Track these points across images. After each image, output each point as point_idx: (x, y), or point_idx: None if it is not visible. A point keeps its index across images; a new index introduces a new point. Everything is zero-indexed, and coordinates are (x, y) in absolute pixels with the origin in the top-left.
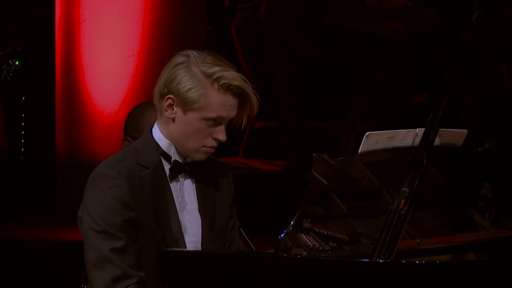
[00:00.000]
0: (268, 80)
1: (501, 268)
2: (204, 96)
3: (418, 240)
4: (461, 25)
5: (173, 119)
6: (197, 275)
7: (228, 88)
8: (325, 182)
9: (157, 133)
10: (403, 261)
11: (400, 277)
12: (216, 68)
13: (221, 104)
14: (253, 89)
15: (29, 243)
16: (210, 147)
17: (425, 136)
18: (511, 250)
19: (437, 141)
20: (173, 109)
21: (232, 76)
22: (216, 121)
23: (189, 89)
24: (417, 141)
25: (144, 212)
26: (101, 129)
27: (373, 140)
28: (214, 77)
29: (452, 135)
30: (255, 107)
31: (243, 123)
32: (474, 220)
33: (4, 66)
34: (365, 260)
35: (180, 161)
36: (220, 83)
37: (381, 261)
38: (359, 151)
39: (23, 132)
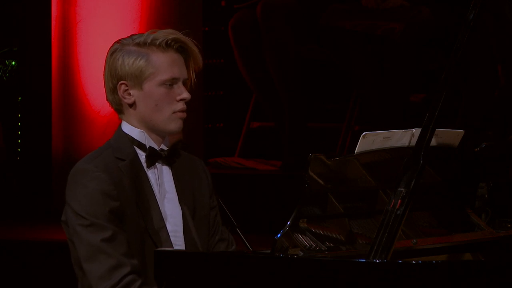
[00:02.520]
0: (265, 80)
1: (497, 269)
2: (149, 61)
3: (414, 240)
4: (458, 25)
5: (134, 103)
6: (194, 275)
7: (166, 45)
8: (321, 182)
9: (126, 127)
10: (400, 261)
11: (397, 277)
12: (145, 34)
13: (167, 62)
14: (192, 40)
15: (24, 243)
16: (180, 111)
17: (421, 137)
18: (508, 250)
19: (433, 142)
20: (129, 94)
21: (164, 33)
22: (172, 83)
23: (133, 63)
24: (414, 141)
25: (126, 203)
26: (98, 129)
27: (370, 140)
28: (149, 41)
29: (448, 135)
30: (199, 57)
31: (192, 81)
32: (471, 220)
33: (0, 66)
34: (362, 260)
35: (155, 148)
36: (157, 43)
37: (377, 261)
38: (355, 152)
39: (19, 132)
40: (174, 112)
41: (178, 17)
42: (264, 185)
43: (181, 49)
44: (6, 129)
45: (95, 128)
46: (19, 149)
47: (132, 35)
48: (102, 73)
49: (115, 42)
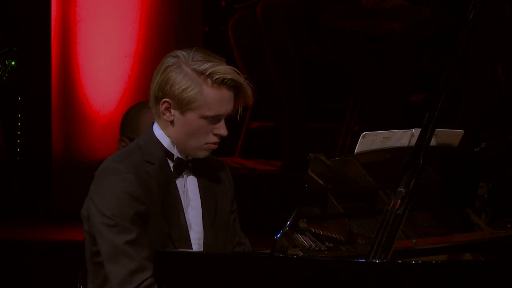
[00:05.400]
0: (265, 80)
1: (497, 268)
2: (200, 94)
3: (414, 240)
4: (458, 25)
5: (172, 122)
6: (194, 275)
7: (222, 82)
8: (321, 182)
9: (159, 132)
10: (400, 262)
11: (397, 277)
12: (207, 65)
13: (217, 100)
14: (246, 79)
15: (24, 243)
16: (213, 143)
17: (421, 137)
18: (508, 250)
19: (433, 142)
20: (170, 112)
21: (224, 70)
22: (215, 118)
23: (184, 90)
24: (414, 142)
25: (152, 207)
26: (97, 129)
27: (370, 141)
28: (207, 73)
29: (448, 135)
30: (250, 97)
31: (239, 113)
32: (471, 220)
33: (0, 66)
34: (362, 260)
35: (183, 158)
36: (214, 78)
37: (377, 261)
38: (355, 152)
39: (19, 132)
40: (206, 143)
41: (178, 17)
42: (264, 185)
43: (235, 88)
44: (6, 129)
45: (95, 128)
46: (19, 149)
47: (195, 53)
48: (103, 73)
49: (171, 55)
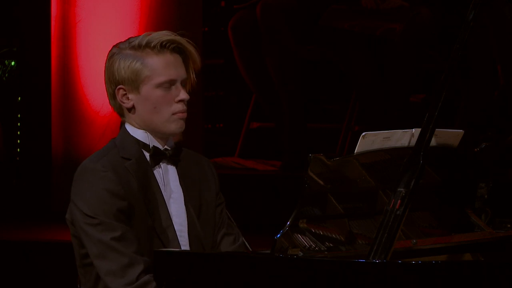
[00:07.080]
0: (265, 81)
1: (498, 268)
2: (145, 64)
3: (414, 241)
4: (458, 25)
5: (133, 107)
6: (194, 275)
7: (161, 47)
8: (321, 182)
9: (130, 128)
10: (399, 262)
11: (397, 277)
12: (140, 37)
13: (163, 64)
14: (188, 40)
15: (23, 244)
16: (179, 112)
17: (421, 137)
18: (508, 250)
19: (433, 142)
20: (128, 98)
21: (159, 35)
22: (170, 84)
23: (128, 67)
24: (413, 142)
25: (135, 202)
26: (97, 129)
27: (369, 141)
28: (143, 44)
29: (448, 136)
30: (197, 57)
31: (193, 81)
32: (471, 220)
33: (0, 66)
34: (361, 260)
35: (160, 147)
36: (151, 46)
37: (377, 261)
38: (355, 152)
39: (19, 133)
40: (173, 114)
41: (178, 17)
42: (264, 185)
43: (178, 50)
44: (6, 129)
45: (95, 128)
46: (19, 149)
47: (130, 38)
48: (103, 75)
49: (113, 46)
